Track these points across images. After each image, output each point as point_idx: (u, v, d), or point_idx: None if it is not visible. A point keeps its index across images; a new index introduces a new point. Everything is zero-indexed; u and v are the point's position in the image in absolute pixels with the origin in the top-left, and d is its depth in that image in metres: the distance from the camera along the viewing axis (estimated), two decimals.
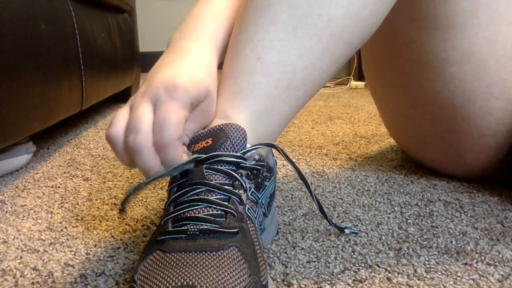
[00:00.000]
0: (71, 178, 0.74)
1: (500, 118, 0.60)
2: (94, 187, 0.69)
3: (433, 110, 0.63)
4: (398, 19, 0.58)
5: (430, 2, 0.54)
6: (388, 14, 0.46)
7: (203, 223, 0.33)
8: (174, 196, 0.36)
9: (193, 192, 0.35)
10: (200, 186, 0.35)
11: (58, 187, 0.69)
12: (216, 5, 0.47)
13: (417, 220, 0.55)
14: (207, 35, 0.44)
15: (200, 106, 0.39)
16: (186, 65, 0.39)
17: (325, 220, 0.55)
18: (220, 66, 0.46)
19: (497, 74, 0.57)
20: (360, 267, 0.44)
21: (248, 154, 0.38)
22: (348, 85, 2.06)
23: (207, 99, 0.39)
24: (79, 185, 0.70)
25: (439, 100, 0.61)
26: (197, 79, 0.38)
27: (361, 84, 2.03)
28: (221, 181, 0.36)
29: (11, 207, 0.61)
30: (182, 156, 0.36)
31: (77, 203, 0.62)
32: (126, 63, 1.37)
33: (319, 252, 0.47)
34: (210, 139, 0.37)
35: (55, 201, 0.63)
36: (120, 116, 0.36)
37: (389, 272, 0.43)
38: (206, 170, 0.36)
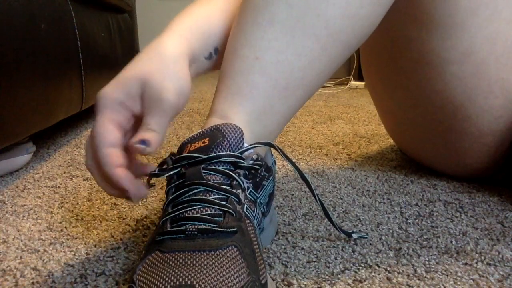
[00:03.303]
0: (71, 178, 0.74)
1: (500, 116, 0.60)
2: (94, 187, 0.69)
3: (433, 109, 0.63)
4: (397, 18, 0.58)
5: (430, 1, 0.54)
6: (387, 13, 0.46)
7: (202, 223, 0.33)
8: (172, 196, 0.36)
9: (191, 192, 0.35)
10: (198, 186, 0.35)
11: (58, 187, 0.69)
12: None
13: (417, 220, 0.55)
14: (180, 23, 0.45)
15: (147, 97, 0.40)
16: (130, 67, 0.42)
17: (330, 223, 0.55)
18: (199, 52, 0.47)
19: (496, 73, 0.57)
20: (360, 267, 0.44)
21: (246, 153, 0.38)
22: (348, 85, 2.05)
23: (147, 89, 0.40)
24: (79, 185, 0.70)
25: (439, 100, 0.61)
26: (123, 80, 0.41)
27: (361, 84, 2.03)
28: (219, 181, 0.36)
29: (11, 207, 0.61)
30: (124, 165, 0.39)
31: (77, 203, 0.62)
32: (126, 63, 1.37)
33: (319, 252, 0.47)
34: (207, 139, 0.37)
35: (55, 201, 0.63)
36: None
37: (389, 272, 0.43)
38: (204, 170, 0.36)
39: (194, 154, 0.37)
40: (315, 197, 0.42)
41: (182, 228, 0.33)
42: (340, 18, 0.40)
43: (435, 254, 0.47)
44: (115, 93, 0.40)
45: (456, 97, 0.59)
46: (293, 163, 0.41)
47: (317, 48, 0.40)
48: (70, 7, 0.89)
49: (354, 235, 0.49)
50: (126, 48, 1.38)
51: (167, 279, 0.29)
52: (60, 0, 0.84)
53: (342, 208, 0.59)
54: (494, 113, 0.59)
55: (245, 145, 0.38)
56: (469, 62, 0.57)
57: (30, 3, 0.69)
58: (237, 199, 0.36)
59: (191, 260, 0.31)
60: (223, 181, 0.36)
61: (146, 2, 2.85)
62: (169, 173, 0.38)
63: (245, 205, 0.37)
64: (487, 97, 0.58)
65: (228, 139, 0.37)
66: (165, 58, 0.41)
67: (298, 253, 0.47)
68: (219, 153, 0.37)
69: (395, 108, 0.70)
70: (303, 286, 0.41)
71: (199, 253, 0.31)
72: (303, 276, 0.42)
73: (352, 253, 0.47)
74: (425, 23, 0.56)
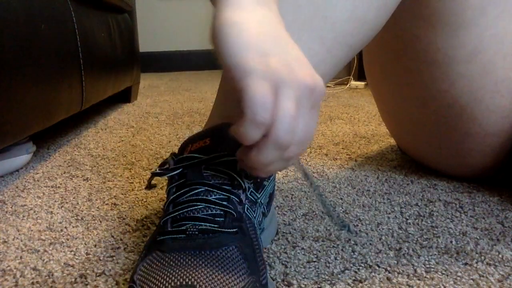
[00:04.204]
0: (71, 178, 0.74)
1: (506, 116, 0.59)
2: (94, 187, 0.69)
3: (439, 109, 0.63)
4: (405, 17, 0.57)
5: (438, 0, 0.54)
6: (394, 13, 0.45)
7: (202, 223, 0.33)
8: (173, 196, 0.36)
9: (192, 192, 0.36)
10: (199, 187, 0.35)
11: (58, 187, 0.69)
12: None
13: (417, 220, 0.55)
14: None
15: None
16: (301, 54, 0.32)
17: (329, 221, 0.55)
18: None
19: (503, 72, 0.57)
20: (360, 267, 0.44)
21: None
22: (348, 85, 2.05)
23: None
24: (79, 185, 0.70)
25: (445, 99, 0.61)
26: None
27: (361, 84, 2.02)
28: (220, 181, 0.36)
29: (11, 207, 0.61)
30: None
31: (77, 203, 0.62)
32: (126, 63, 1.37)
33: (319, 252, 0.47)
34: (208, 139, 0.37)
35: (55, 201, 0.63)
36: (266, 100, 0.28)
37: (389, 272, 0.43)
38: (205, 171, 0.36)
39: (195, 155, 0.37)
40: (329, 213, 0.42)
41: (183, 228, 0.33)
42: (347, 21, 0.40)
43: (435, 254, 0.47)
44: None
45: (463, 97, 0.59)
46: (310, 179, 0.41)
47: (323, 51, 0.40)
48: (70, 7, 0.89)
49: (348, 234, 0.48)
50: (126, 48, 1.38)
51: (167, 279, 0.29)
52: (60, 0, 0.84)
53: (342, 208, 0.59)
54: (501, 113, 0.59)
55: None
56: (476, 61, 0.56)
57: (30, 3, 0.69)
58: (238, 199, 0.36)
59: (192, 260, 0.31)
60: (224, 181, 0.36)
61: (146, 2, 2.85)
62: (170, 173, 0.38)
63: (246, 205, 0.37)
64: (493, 97, 0.58)
65: (230, 139, 0.37)
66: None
67: (298, 253, 0.47)
68: (220, 153, 0.37)
69: (399, 108, 0.70)
70: (303, 286, 0.41)
71: (200, 253, 0.31)
72: (303, 276, 0.42)
73: (352, 253, 0.47)
74: (433, 22, 0.56)
